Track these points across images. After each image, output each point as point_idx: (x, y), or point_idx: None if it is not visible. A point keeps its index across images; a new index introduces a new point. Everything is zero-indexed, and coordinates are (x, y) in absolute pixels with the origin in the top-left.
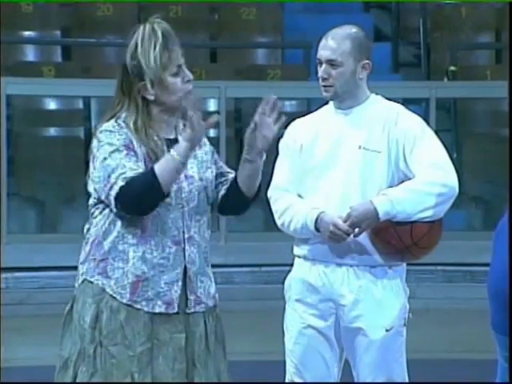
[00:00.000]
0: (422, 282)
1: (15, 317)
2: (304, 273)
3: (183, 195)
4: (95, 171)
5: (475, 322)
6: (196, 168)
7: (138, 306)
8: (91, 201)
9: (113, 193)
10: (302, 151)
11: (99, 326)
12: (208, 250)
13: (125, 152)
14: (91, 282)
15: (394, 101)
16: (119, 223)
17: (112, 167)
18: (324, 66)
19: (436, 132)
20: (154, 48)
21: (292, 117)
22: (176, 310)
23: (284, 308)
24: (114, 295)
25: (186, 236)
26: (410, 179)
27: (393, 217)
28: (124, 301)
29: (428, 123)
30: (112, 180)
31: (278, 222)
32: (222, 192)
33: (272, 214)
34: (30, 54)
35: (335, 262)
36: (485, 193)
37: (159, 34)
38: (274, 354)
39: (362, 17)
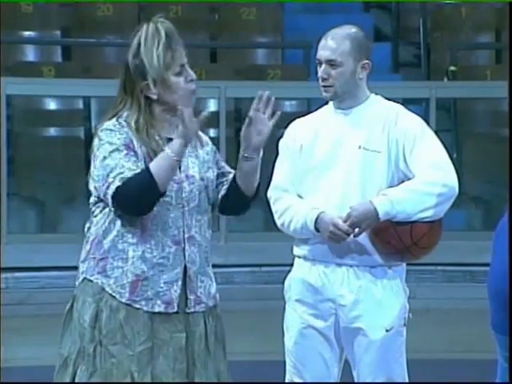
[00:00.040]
0: (422, 282)
1: (15, 317)
2: (304, 273)
3: (184, 195)
4: (95, 170)
5: (475, 322)
6: (197, 168)
7: (138, 306)
8: (92, 199)
9: (110, 192)
10: (302, 151)
11: (99, 325)
12: (209, 250)
13: (124, 152)
14: (91, 281)
15: (394, 101)
16: (119, 222)
17: (111, 167)
18: (324, 66)
19: (436, 132)
20: (158, 47)
21: (292, 117)
22: (175, 310)
23: (284, 308)
24: (114, 294)
25: (187, 236)
26: (409, 179)
27: (393, 217)
28: (123, 300)
29: (428, 123)
30: (110, 180)
31: (278, 222)
32: (222, 192)
33: (272, 214)
34: (30, 53)
35: (335, 262)
36: (485, 193)
37: (162, 33)
38: (274, 354)
39: (362, 17)
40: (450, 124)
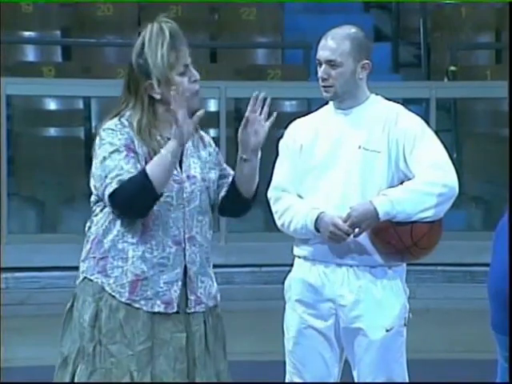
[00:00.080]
0: (422, 282)
1: (15, 317)
2: (304, 273)
3: (185, 195)
4: (95, 169)
5: (475, 322)
6: (199, 168)
7: (137, 305)
8: (93, 197)
9: (107, 193)
10: (302, 151)
11: (98, 324)
12: (209, 251)
13: (125, 153)
14: (91, 280)
15: (394, 101)
16: (119, 222)
17: (110, 168)
18: (324, 66)
19: (436, 132)
20: (162, 47)
21: (292, 117)
22: (175, 310)
23: (284, 308)
24: (113, 294)
25: (187, 236)
26: (409, 179)
27: (393, 217)
28: (123, 300)
29: (428, 123)
30: (107, 181)
31: (278, 223)
32: (223, 193)
33: (272, 214)
34: (30, 54)
35: (335, 263)
36: (485, 193)
37: (167, 33)
38: (274, 354)
39: (362, 17)
40: (450, 124)
